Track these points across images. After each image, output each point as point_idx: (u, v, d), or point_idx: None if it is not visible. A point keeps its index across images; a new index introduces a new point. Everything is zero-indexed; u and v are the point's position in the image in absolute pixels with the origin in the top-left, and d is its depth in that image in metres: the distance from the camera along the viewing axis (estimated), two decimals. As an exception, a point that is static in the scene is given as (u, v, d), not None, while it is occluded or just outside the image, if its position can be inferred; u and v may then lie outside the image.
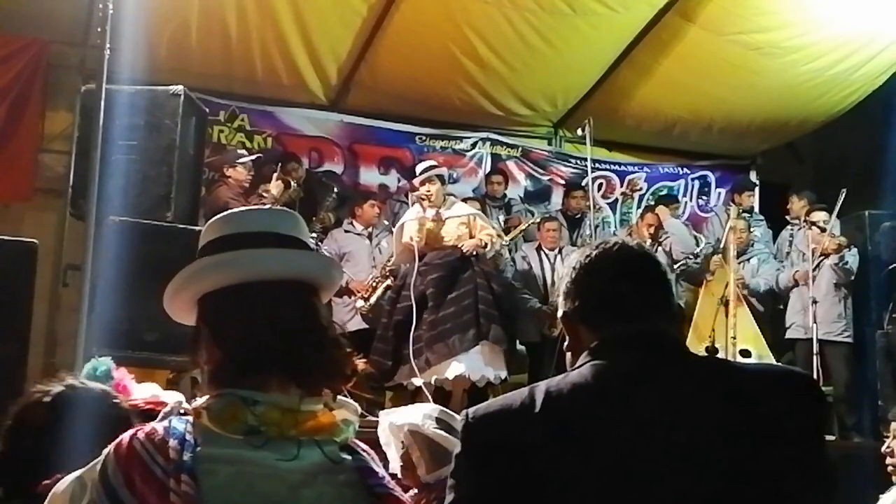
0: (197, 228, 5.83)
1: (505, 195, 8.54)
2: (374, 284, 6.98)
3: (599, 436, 1.41)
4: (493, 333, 6.21)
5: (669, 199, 8.88)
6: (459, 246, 6.38)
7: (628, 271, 1.59)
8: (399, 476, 3.41)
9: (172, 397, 4.06)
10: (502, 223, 8.12)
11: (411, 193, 7.10)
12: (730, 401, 1.43)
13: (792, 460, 1.41)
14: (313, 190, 7.96)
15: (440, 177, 6.60)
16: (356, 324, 7.05)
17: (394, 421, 3.47)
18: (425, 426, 3.35)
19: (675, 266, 7.61)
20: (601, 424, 1.42)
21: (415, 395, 6.33)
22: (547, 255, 7.64)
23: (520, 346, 7.59)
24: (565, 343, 1.63)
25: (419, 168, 6.75)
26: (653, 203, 8.67)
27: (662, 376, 1.47)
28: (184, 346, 5.64)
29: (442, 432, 3.31)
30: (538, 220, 7.95)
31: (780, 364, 2.03)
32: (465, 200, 7.21)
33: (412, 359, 6.08)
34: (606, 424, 1.42)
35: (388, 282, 6.90)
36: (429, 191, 6.43)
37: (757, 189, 9.52)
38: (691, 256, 7.72)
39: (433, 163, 7.01)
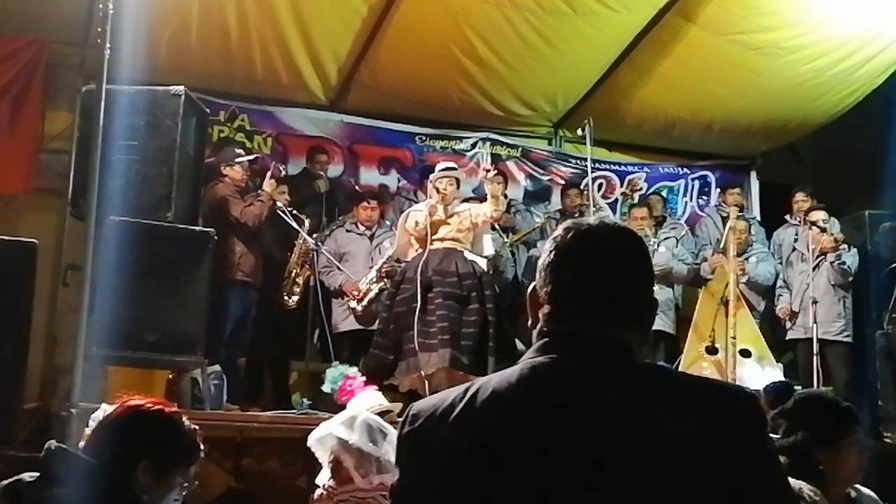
0: (197, 228, 5.85)
1: (505, 195, 8.53)
2: (369, 287, 6.99)
3: (509, 435, 1.38)
4: (492, 368, 6.19)
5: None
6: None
7: (594, 261, 1.50)
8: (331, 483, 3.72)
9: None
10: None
11: (420, 191, 7.11)
12: (662, 412, 1.37)
13: (728, 475, 1.35)
14: (335, 194, 8.00)
15: (457, 180, 6.64)
16: (350, 324, 7.05)
17: (319, 434, 3.76)
18: (351, 440, 3.61)
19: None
20: (514, 424, 1.39)
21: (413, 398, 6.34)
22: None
23: (520, 346, 7.60)
24: (528, 327, 1.58)
25: (439, 166, 6.78)
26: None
27: (592, 383, 1.41)
28: (184, 346, 5.69)
29: (365, 443, 3.58)
30: (540, 224, 7.96)
31: (716, 379, 2.01)
32: (464, 201, 7.21)
33: (417, 349, 6.05)
34: (519, 424, 1.39)
35: (382, 284, 6.91)
36: (446, 188, 6.45)
37: (756, 187, 9.59)
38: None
39: (453, 164, 7.08)
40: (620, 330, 1.47)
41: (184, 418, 2.42)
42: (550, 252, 1.53)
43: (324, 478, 3.84)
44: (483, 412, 1.41)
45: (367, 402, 4.59)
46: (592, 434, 1.36)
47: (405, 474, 1.47)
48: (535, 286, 1.55)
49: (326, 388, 5.61)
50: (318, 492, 3.81)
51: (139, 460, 2.25)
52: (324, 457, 3.78)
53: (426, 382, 6.08)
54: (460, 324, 6.15)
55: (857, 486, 2.90)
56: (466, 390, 1.45)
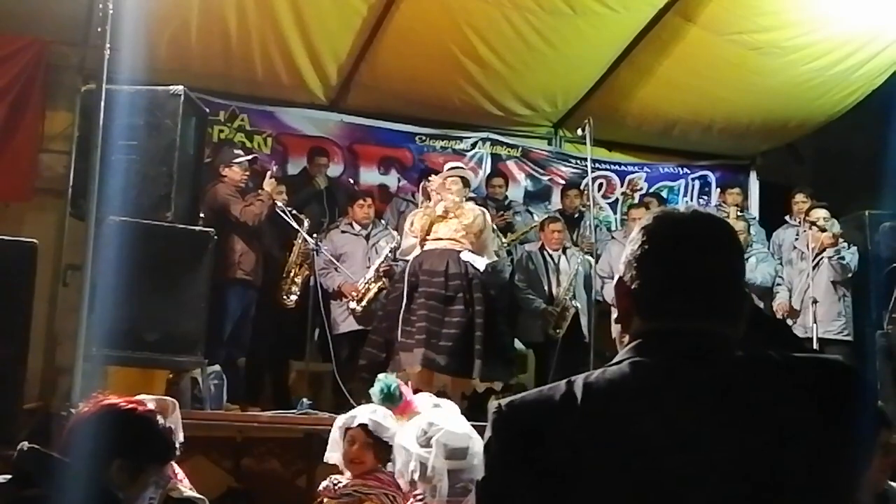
0: (197, 228, 5.85)
1: (506, 197, 8.56)
2: (367, 287, 6.99)
3: (637, 437, 1.36)
4: (479, 370, 6.16)
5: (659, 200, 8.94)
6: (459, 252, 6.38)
7: (690, 253, 1.46)
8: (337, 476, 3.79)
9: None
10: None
11: (419, 192, 7.13)
12: (762, 408, 1.38)
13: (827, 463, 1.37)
14: (335, 194, 8.00)
15: (464, 178, 6.65)
16: (349, 325, 7.05)
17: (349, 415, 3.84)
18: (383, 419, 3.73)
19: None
20: (639, 426, 1.37)
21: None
22: (551, 256, 7.64)
23: (520, 346, 7.60)
24: (613, 322, 1.55)
25: (447, 166, 6.83)
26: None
27: (701, 381, 1.40)
28: (184, 346, 5.63)
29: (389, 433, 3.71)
30: (538, 223, 7.97)
31: (821, 355, 1.92)
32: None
33: (400, 346, 6.10)
34: (644, 426, 1.37)
35: (381, 284, 6.92)
36: (449, 188, 6.46)
37: (756, 187, 9.59)
38: None
39: (461, 164, 7.12)
40: (719, 323, 1.44)
41: (158, 417, 2.43)
42: (642, 243, 1.48)
43: (333, 458, 3.85)
44: (586, 413, 1.39)
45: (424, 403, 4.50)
46: (695, 435, 1.35)
47: (501, 470, 1.43)
48: (621, 278, 1.51)
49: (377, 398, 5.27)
50: (323, 483, 3.83)
51: (113, 459, 2.25)
52: (350, 442, 3.78)
53: (410, 382, 6.08)
54: (441, 324, 6.15)
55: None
56: (569, 389, 1.42)
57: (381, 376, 4.10)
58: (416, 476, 3.38)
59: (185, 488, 3.47)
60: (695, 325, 1.44)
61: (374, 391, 3.94)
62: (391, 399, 3.91)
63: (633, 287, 1.48)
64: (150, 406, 2.74)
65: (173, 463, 3.63)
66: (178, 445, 2.47)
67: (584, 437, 1.38)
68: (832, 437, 1.37)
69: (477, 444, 3.44)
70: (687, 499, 1.34)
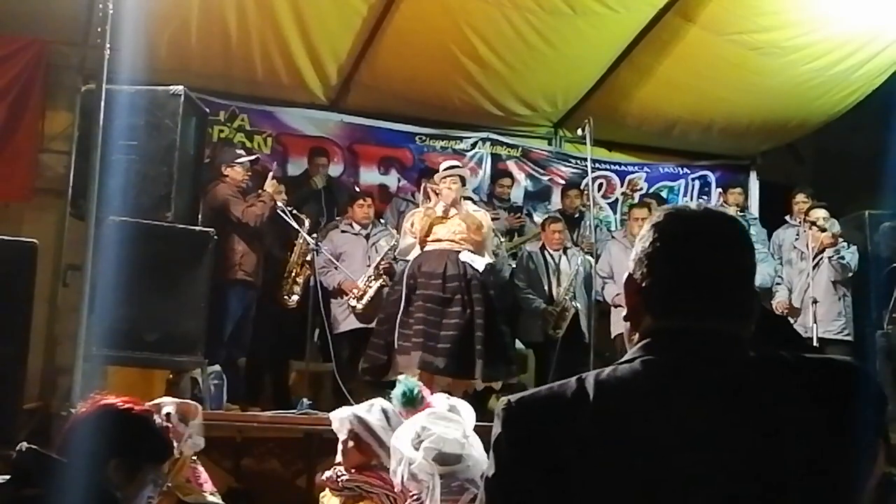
0: (197, 228, 5.85)
1: (508, 200, 8.58)
2: (368, 285, 6.99)
3: (647, 435, 1.36)
4: (480, 370, 6.16)
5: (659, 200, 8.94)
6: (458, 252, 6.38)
7: (703, 251, 1.45)
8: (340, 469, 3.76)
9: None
10: (505, 224, 8.16)
11: (420, 192, 7.13)
12: (772, 408, 1.37)
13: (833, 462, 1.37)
14: (334, 193, 8.00)
15: (461, 178, 6.65)
16: (350, 323, 7.05)
17: (341, 415, 3.82)
18: (370, 416, 3.70)
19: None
20: (650, 424, 1.37)
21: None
22: (552, 255, 7.64)
23: (520, 346, 7.60)
24: (622, 319, 1.52)
25: (444, 165, 6.83)
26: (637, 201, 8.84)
27: (711, 380, 1.40)
28: (184, 346, 5.63)
29: (384, 427, 3.68)
30: (539, 229, 7.97)
31: (830, 356, 1.83)
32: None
33: (398, 349, 6.13)
34: (655, 425, 1.37)
35: (382, 281, 6.92)
36: (449, 188, 6.46)
37: (756, 187, 9.58)
38: None
39: (457, 163, 7.11)
40: (729, 323, 1.43)
41: (155, 417, 2.44)
42: (653, 241, 1.47)
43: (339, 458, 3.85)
44: (598, 410, 1.38)
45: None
46: (705, 434, 1.36)
47: (510, 466, 1.42)
48: (630, 275, 1.49)
49: (398, 401, 5.15)
50: (327, 473, 3.82)
51: (110, 458, 2.26)
52: (342, 436, 3.79)
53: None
54: (440, 326, 6.15)
55: None
56: (581, 386, 1.41)
57: (401, 378, 4.05)
58: (404, 478, 3.39)
59: (207, 493, 3.45)
60: (705, 324, 1.43)
61: (396, 394, 3.89)
62: (412, 402, 3.86)
63: (643, 284, 1.47)
64: (170, 409, 2.73)
65: (198, 466, 3.63)
66: (201, 447, 2.47)
67: (595, 435, 1.37)
68: (841, 439, 1.37)
69: (470, 447, 3.44)
70: (696, 497, 1.34)
